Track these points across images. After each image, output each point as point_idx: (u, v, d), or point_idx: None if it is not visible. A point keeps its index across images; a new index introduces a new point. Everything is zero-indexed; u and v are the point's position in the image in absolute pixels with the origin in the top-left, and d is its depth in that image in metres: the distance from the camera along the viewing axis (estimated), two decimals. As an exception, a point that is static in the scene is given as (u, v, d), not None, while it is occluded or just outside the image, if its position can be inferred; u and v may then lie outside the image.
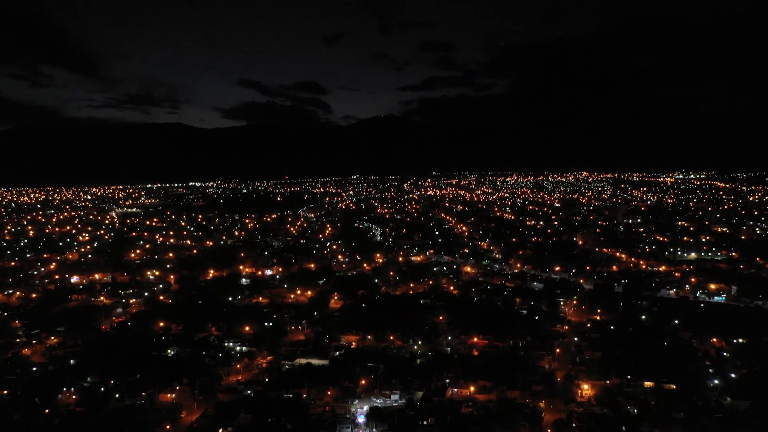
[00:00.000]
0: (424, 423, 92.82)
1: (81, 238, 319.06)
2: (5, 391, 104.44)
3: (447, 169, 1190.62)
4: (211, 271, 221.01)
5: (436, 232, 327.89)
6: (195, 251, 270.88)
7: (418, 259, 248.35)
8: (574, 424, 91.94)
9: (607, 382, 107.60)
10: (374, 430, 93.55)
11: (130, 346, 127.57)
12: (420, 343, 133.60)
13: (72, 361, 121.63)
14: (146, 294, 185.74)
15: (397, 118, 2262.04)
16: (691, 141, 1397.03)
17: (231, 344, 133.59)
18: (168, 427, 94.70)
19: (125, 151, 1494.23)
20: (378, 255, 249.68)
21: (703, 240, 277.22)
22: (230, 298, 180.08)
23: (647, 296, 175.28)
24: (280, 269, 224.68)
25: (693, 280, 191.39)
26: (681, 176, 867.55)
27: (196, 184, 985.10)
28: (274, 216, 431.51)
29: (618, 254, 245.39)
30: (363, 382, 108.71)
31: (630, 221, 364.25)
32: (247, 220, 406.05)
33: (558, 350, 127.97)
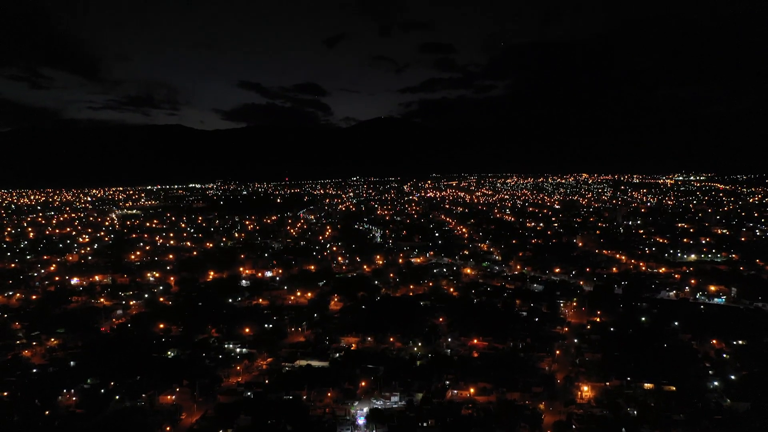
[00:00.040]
0: (424, 425, 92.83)
1: (81, 239, 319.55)
2: (5, 393, 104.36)
3: (447, 171, 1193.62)
4: (211, 273, 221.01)
5: (436, 234, 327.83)
6: (195, 253, 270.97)
7: (418, 260, 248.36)
8: (573, 426, 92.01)
9: (607, 383, 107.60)
10: (374, 431, 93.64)
11: (130, 348, 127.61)
12: (420, 344, 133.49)
13: (72, 363, 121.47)
14: (146, 296, 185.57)
15: (397, 120, 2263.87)
16: (691, 142, 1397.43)
17: (231, 346, 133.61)
18: (168, 428, 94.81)
19: (125, 153, 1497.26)
20: (378, 257, 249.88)
21: (703, 242, 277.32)
22: (230, 300, 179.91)
23: (647, 298, 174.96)
24: (280, 271, 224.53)
25: (693, 281, 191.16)
26: (681, 178, 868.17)
27: (196, 186, 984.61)
28: (274, 218, 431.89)
29: (618, 256, 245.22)
30: (363, 383, 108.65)
31: (630, 223, 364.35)
32: (247, 222, 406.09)
33: (558, 352, 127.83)
